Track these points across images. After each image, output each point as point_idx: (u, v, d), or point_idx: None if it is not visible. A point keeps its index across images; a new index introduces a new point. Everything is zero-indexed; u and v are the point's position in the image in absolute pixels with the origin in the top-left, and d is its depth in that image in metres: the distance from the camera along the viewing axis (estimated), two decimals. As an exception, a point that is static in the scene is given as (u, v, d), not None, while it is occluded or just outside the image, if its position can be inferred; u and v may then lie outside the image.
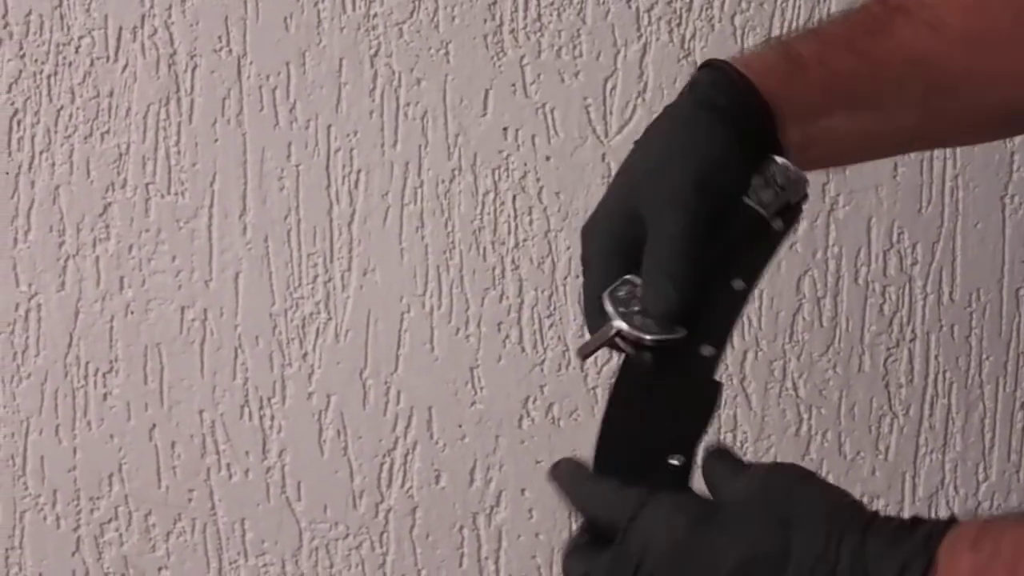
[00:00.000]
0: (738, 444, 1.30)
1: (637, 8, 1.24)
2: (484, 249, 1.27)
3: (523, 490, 1.32)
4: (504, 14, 1.24)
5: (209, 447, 1.31)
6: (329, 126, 1.26)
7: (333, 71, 1.25)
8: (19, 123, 1.25)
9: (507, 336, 1.29)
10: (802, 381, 1.31)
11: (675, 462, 0.75)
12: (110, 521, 1.32)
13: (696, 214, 0.77)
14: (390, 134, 1.26)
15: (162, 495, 1.32)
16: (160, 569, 1.33)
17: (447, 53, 1.25)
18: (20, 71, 1.25)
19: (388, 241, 1.27)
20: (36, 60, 1.24)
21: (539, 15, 1.24)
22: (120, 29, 1.24)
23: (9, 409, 1.30)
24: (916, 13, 0.83)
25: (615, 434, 0.78)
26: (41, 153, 1.26)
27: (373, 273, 1.28)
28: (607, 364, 1.29)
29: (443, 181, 1.26)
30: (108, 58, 1.24)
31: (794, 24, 1.25)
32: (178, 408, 1.30)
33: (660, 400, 0.77)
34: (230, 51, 1.24)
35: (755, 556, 0.68)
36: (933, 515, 1.28)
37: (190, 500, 1.32)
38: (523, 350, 1.29)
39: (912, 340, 1.31)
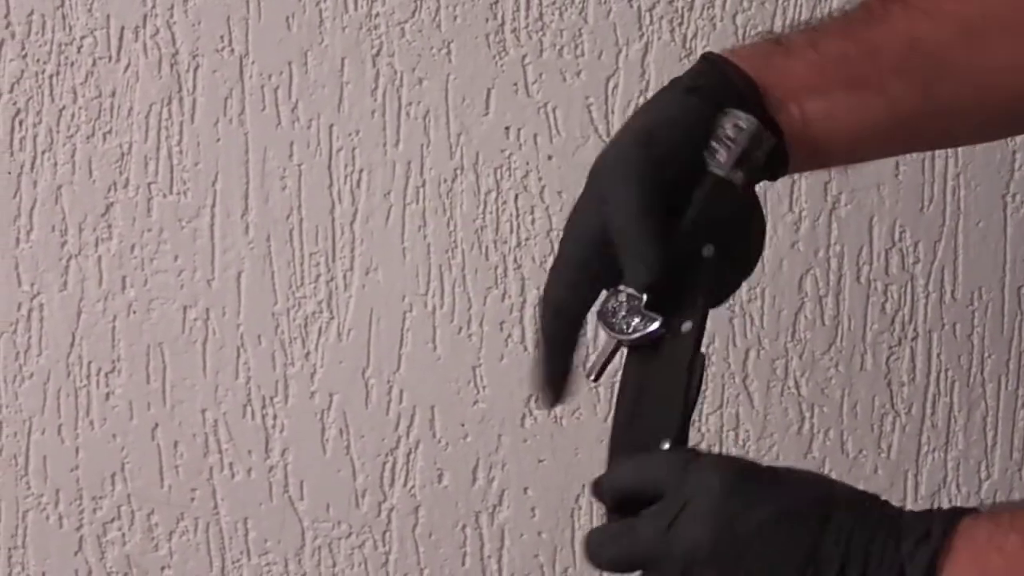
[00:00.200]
0: (740, 443, 1.31)
1: (639, 7, 1.24)
2: (486, 248, 1.27)
3: (526, 489, 1.32)
4: (506, 13, 1.24)
5: (212, 446, 1.31)
6: (331, 125, 1.26)
7: (335, 71, 1.25)
8: (21, 123, 1.25)
9: (509, 335, 1.29)
10: (804, 380, 1.31)
11: (666, 446, 0.74)
12: (113, 520, 1.32)
13: (643, 180, 0.77)
14: (392, 133, 1.26)
15: (165, 494, 1.32)
16: (163, 568, 1.33)
17: (449, 52, 1.25)
18: (22, 71, 1.25)
19: (390, 240, 1.27)
20: (38, 60, 1.24)
21: (541, 14, 1.24)
22: (122, 29, 1.24)
23: (11, 409, 1.30)
24: (914, 4, 0.83)
25: (618, 429, 0.78)
26: (43, 153, 1.26)
27: (375, 272, 1.28)
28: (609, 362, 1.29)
29: (445, 180, 1.26)
30: (110, 58, 1.24)
31: (796, 23, 1.25)
32: (180, 407, 1.30)
33: (650, 388, 0.77)
34: (232, 51, 1.24)
35: (799, 506, 0.69)
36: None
37: (193, 499, 1.32)
38: (525, 349, 1.29)
39: (914, 338, 1.31)
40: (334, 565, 1.33)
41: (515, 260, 1.28)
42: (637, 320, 0.77)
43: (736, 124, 0.79)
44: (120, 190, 1.27)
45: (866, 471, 1.32)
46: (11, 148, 1.26)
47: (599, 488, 0.74)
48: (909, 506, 1.32)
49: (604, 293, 0.79)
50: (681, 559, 0.68)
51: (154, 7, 1.24)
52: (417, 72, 1.25)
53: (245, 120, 1.26)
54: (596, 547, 0.72)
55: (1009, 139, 1.28)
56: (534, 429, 1.31)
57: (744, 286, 1.27)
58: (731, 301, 1.28)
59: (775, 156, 0.82)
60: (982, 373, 1.32)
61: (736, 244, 0.81)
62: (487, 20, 1.24)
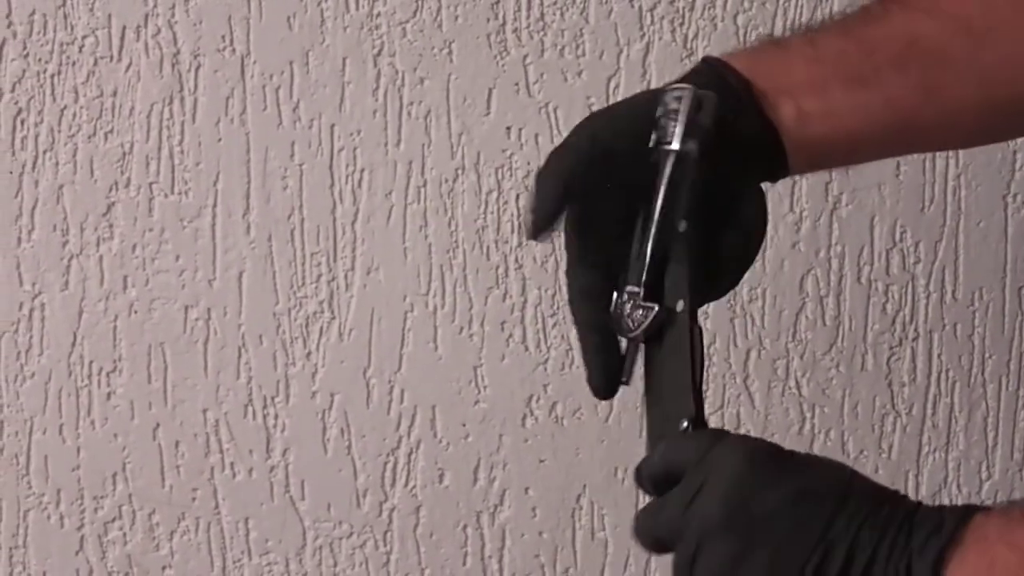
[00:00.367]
0: (741, 443, 1.31)
1: (640, 7, 1.24)
2: (487, 248, 1.27)
3: (527, 489, 1.32)
4: (507, 13, 1.24)
5: (213, 446, 1.31)
6: (332, 125, 1.26)
7: (336, 70, 1.25)
8: (23, 122, 1.25)
9: (510, 335, 1.29)
10: (805, 380, 1.31)
11: (684, 424, 0.76)
12: (114, 520, 1.32)
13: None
14: (393, 133, 1.26)
15: (166, 494, 1.32)
16: (164, 568, 1.33)
17: (450, 52, 1.25)
18: (24, 70, 1.25)
19: (391, 240, 1.27)
20: (40, 59, 1.24)
21: (542, 14, 1.24)
22: (124, 28, 1.24)
23: (13, 408, 1.30)
24: (914, 4, 0.83)
25: (647, 419, 0.80)
26: (45, 152, 1.26)
27: (377, 272, 1.28)
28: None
29: (446, 180, 1.26)
30: (112, 57, 1.25)
31: (797, 23, 1.25)
32: (182, 407, 1.30)
33: (662, 373, 0.79)
34: (233, 50, 1.25)
35: (815, 489, 0.70)
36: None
37: (194, 499, 1.32)
38: (526, 349, 1.29)
39: (915, 339, 1.31)
40: (335, 565, 1.33)
41: (516, 260, 1.28)
42: (639, 313, 0.78)
43: (676, 96, 0.79)
44: (121, 190, 1.27)
45: (867, 471, 1.31)
46: (13, 147, 1.26)
47: (638, 476, 0.76)
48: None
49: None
50: (696, 535, 0.70)
51: (155, 7, 1.24)
52: (418, 72, 1.25)
53: (246, 120, 1.26)
54: (636, 526, 0.75)
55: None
56: (535, 429, 1.31)
57: (745, 286, 1.28)
58: (732, 301, 1.28)
59: (774, 157, 0.82)
60: (983, 373, 1.32)
61: (726, 230, 0.81)
62: (488, 20, 1.24)
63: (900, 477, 1.32)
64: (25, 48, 1.24)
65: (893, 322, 1.31)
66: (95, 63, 1.25)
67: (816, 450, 1.32)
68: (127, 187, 1.27)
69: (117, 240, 1.27)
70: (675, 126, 0.78)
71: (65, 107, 1.25)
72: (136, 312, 1.28)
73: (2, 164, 1.26)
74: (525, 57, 1.25)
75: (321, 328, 1.29)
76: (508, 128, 1.26)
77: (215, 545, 1.33)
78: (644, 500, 1.34)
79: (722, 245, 0.81)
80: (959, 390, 1.32)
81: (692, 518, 0.70)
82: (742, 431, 1.30)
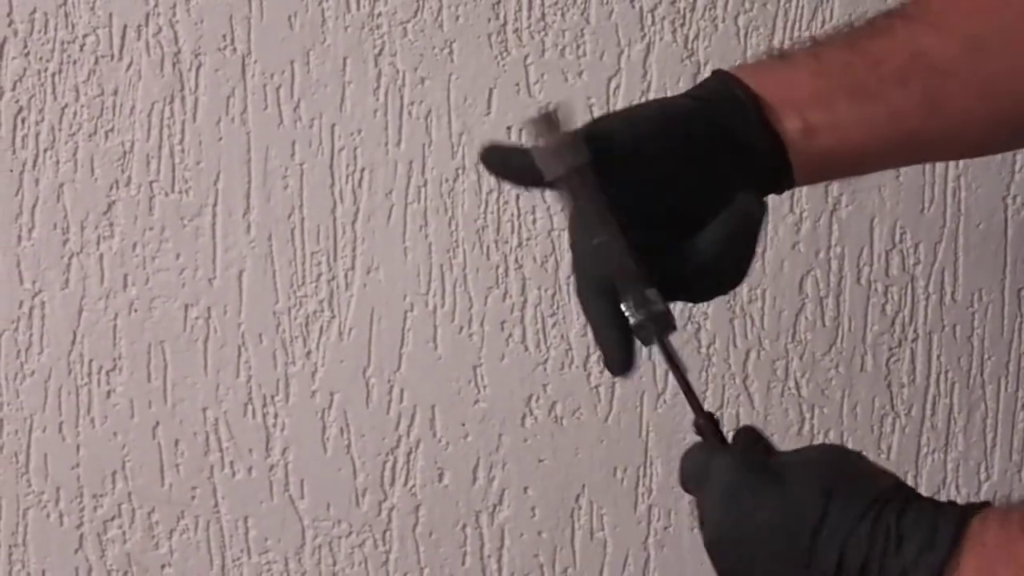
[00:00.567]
0: (740, 443, 1.31)
1: (641, 8, 1.24)
2: (487, 248, 1.27)
3: (526, 488, 1.32)
4: (508, 13, 1.24)
5: (212, 445, 1.31)
6: (333, 125, 1.26)
7: (337, 70, 1.25)
8: (23, 121, 1.26)
9: (510, 335, 1.29)
10: (804, 380, 1.31)
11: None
12: (113, 519, 1.32)
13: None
14: (394, 133, 1.26)
15: (165, 493, 1.32)
16: (163, 567, 1.33)
17: (451, 52, 1.25)
18: (24, 69, 1.25)
19: (392, 240, 1.27)
20: (41, 58, 1.24)
21: (543, 14, 1.24)
22: (125, 27, 1.24)
23: (12, 406, 1.30)
24: (919, 18, 0.83)
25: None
26: (45, 151, 1.26)
27: (376, 271, 1.28)
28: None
29: (447, 180, 1.27)
30: (112, 56, 1.25)
31: (797, 25, 1.25)
32: (181, 406, 1.30)
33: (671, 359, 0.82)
34: (234, 50, 1.25)
35: (792, 513, 0.72)
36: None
37: (193, 498, 1.32)
38: (526, 349, 1.29)
39: (914, 340, 1.31)
40: (334, 564, 1.33)
41: (516, 260, 1.28)
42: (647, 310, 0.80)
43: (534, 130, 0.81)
44: (122, 188, 1.27)
45: (866, 472, 1.32)
46: (13, 146, 1.26)
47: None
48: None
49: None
50: (707, 549, 0.76)
51: (156, 6, 1.24)
52: (419, 72, 1.25)
53: (247, 119, 1.26)
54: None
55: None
56: (534, 429, 1.31)
57: (745, 287, 1.28)
58: (731, 301, 1.29)
59: (779, 169, 0.82)
60: (982, 375, 1.32)
61: (705, 236, 0.81)
62: (489, 20, 1.24)
63: (899, 478, 1.32)
64: (26, 47, 1.24)
65: (892, 323, 1.31)
66: (96, 62, 1.25)
67: (815, 451, 1.32)
68: (128, 186, 1.27)
69: (117, 239, 1.27)
70: (545, 157, 0.80)
71: (66, 106, 1.25)
72: (136, 310, 1.29)
73: (3, 162, 1.26)
74: (526, 57, 1.25)
75: (321, 327, 1.29)
76: (509, 128, 1.26)
77: (214, 544, 1.33)
78: (642, 501, 1.35)
79: (696, 251, 0.81)
80: (958, 391, 1.32)
81: (703, 534, 0.76)
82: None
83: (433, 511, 1.32)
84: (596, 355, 1.29)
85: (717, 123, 0.81)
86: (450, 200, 1.27)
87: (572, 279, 0.83)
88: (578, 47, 1.25)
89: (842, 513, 0.71)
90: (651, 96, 1.25)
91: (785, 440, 1.31)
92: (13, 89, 1.25)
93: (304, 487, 1.32)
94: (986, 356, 1.32)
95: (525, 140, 0.81)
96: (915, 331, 1.31)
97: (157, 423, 1.30)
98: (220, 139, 1.26)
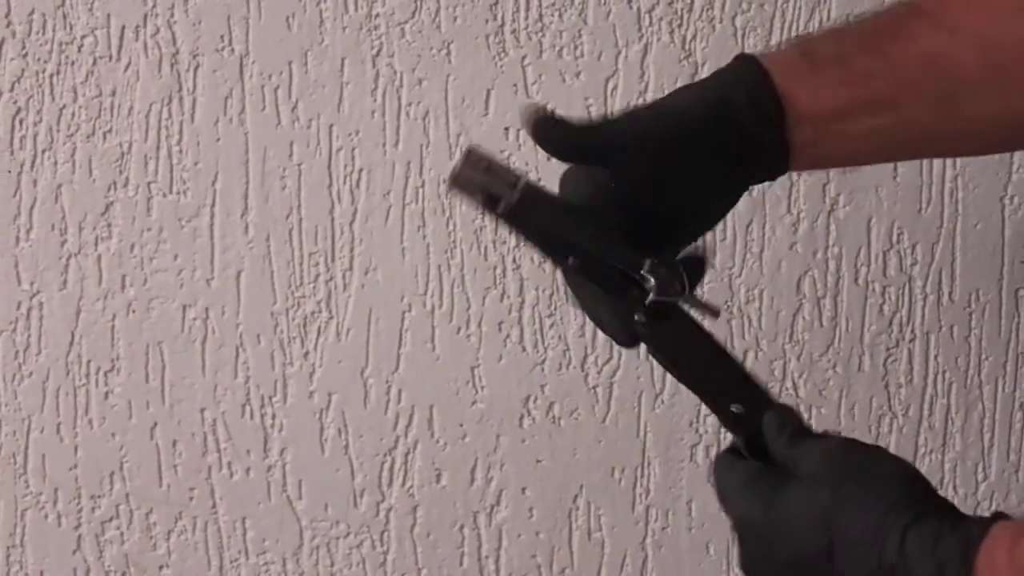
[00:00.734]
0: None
1: (638, 9, 1.24)
2: (485, 248, 1.28)
3: (524, 489, 1.32)
4: (506, 14, 1.24)
5: (210, 445, 1.31)
6: (331, 125, 1.26)
7: (335, 71, 1.25)
8: (21, 122, 1.26)
9: (508, 335, 1.29)
10: (802, 381, 1.31)
11: (734, 409, 0.83)
12: (111, 519, 1.32)
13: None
14: (392, 133, 1.26)
15: (163, 493, 1.32)
16: (161, 567, 1.33)
17: (449, 53, 1.25)
18: (23, 70, 1.25)
19: (389, 240, 1.27)
20: (39, 59, 1.25)
21: (540, 15, 1.24)
22: (123, 28, 1.24)
23: (11, 407, 1.30)
24: (935, 16, 0.83)
25: None
26: (43, 152, 1.26)
27: (374, 272, 1.28)
28: (607, 363, 1.29)
29: (444, 180, 1.26)
30: (111, 57, 1.25)
31: (795, 26, 1.25)
32: (179, 406, 1.30)
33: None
34: (232, 50, 1.25)
35: (804, 552, 0.75)
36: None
37: (191, 498, 1.32)
38: (524, 349, 1.29)
39: (912, 340, 1.31)
40: (332, 565, 1.33)
41: (514, 260, 1.28)
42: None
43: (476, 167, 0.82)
44: (120, 189, 1.27)
45: (863, 472, 1.32)
46: (11, 147, 1.26)
47: None
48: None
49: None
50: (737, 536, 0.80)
51: (155, 6, 1.24)
52: (417, 72, 1.25)
53: (245, 120, 1.26)
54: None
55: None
56: (532, 429, 1.31)
57: (742, 287, 1.29)
58: (729, 302, 1.29)
59: (776, 166, 0.83)
60: (979, 375, 1.32)
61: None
62: (487, 21, 1.24)
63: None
64: (24, 48, 1.24)
65: (890, 323, 1.31)
66: (94, 63, 1.25)
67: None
68: (125, 187, 1.27)
69: (115, 239, 1.27)
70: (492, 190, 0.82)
71: (64, 107, 1.25)
72: (134, 311, 1.29)
73: (1, 163, 1.26)
74: (523, 58, 1.25)
75: (319, 328, 1.29)
76: (506, 129, 1.26)
77: (212, 544, 1.33)
78: (640, 501, 1.35)
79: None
80: (956, 391, 1.32)
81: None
82: (739, 432, 1.30)
83: (431, 512, 1.32)
84: (594, 356, 1.29)
85: (736, 130, 0.82)
86: (448, 201, 1.27)
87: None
88: (576, 48, 1.25)
89: (850, 549, 0.73)
90: (648, 96, 1.25)
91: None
92: (11, 90, 1.25)
93: (302, 488, 1.32)
94: (983, 356, 1.32)
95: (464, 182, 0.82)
96: (912, 331, 1.31)
97: (155, 424, 1.30)
98: (218, 140, 1.26)
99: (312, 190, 1.27)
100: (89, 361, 1.29)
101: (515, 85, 1.25)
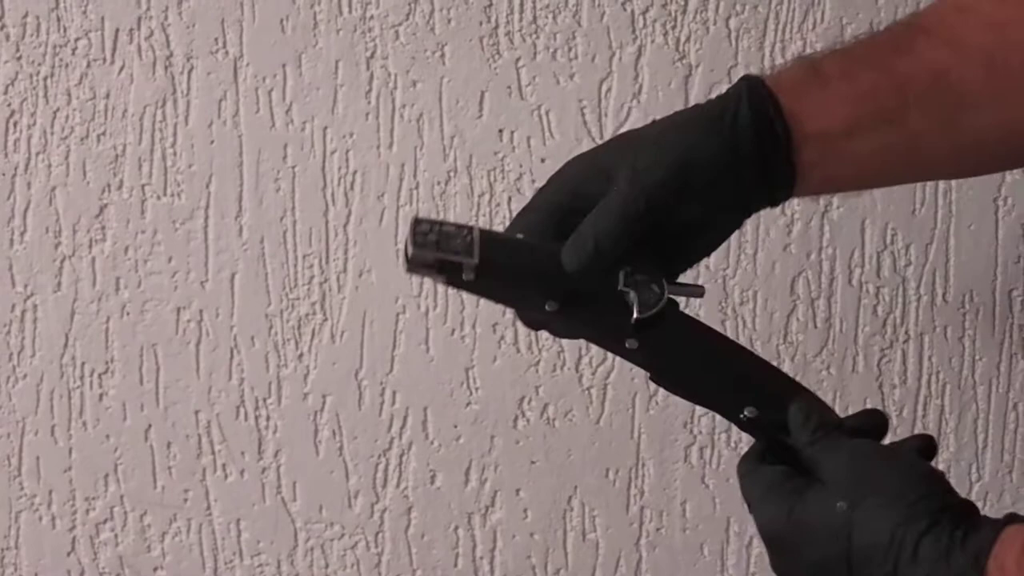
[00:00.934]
0: (732, 444, 1.31)
1: (632, 11, 1.24)
2: (479, 250, 1.27)
3: (518, 490, 1.32)
4: (500, 16, 1.24)
5: (205, 447, 1.31)
6: (325, 128, 1.26)
7: (329, 73, 1.25)
8: (15, 124, 1.26)
9: (502, 337, 1.29)
10: (796, 382, 1.31)
11: (747, 414, 0.83)
12: (106, 521, 1.32)
13: (643, 202, 0.80)
14: (386, 136, 1.26)
15: (158, 495, 1.32)
16: (156, 569, 1.33)
17: (443, 55, 1.25)
18: (16, 73, 1.25)
19: (384, 242, 1.28)
20: (33, 62, 1.24)
21: (535, 17, 1.24)
22: (116, 31, 1.24)
23: (5, 409, 1.30)
24: (937, 33, 0.83)
25: None
26: (37, 154, 1.26)
27: (369, 274, 1.28)
28: (601, 364, 1.29)
29: (439, 183, 1.27)
30: (104, 60, 1.25)
31: (789, 27, 1.25)
32: (174, 409, 1.30)
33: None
34: (226, 53, 1.25)
35: (824, 558, 0.76)
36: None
37: (186, 500, 1.32)
38: (518, 351, 1.29)
39: (906, 341, 1.31)
40: (327, 566, 1.33)
41: (508, 262, 1.28)
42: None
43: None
44: (114, 191, 1.27)
45: (857, 473, 1.32)
46: (5, 149, 1.26)
47: None
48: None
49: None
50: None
51: (148, 9, 1.24)
52: (411, 74, 1.25)
53: (239, 122, 1.26)
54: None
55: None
56: (527, 431, 1.31)
57: (736, 288, 1.29)
58: (723, 303, 1.29)
59: (779, 187, 0.83)
60: (973, 376, 1.32)
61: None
62: (481, 23, 1.24)
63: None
64: (18, 50, 1.24)
65: (884, 324, 1.31)
66: (88, 65, 1.25)
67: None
68: (120, 189, 1.27)
69: (109, 242, 1.27)
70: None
71: (58, 109, 1.25)
72: (128, 314, 1.29)
73: (-5, 166, 1.26)
74: (518, 60, 1.25)
75: (313, 330, 1.29)
76: (500, 131, 1.26)
77: (207, 546, 1.33)
78: (634, 502, 1.35)
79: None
80: (950, 392, 1.32)
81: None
82: (733, 432, 1.31)
83: (425, 513, 1.33)
84: (588, 357, 1.29)
85: (739, 152, 0.81)
86: (442, 203, 1.27)
87: None
88: (570, 50, 1.25)
89: (865, 559, 0.74)
90: (643, 98, 1.25)
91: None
92: (5, 92, 1.25)
93: (296, 489, 1.32)
94: (977, 357, 1.32)
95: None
96: (906, 332, 1.31)
97: (149, 426, 1.30)
98: (212, 142, 1.26)
99: (306, 192, 1.27)
100: (83, 363, 1.29)
101: (509, 87, 1.25)
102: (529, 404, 1.31)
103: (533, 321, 0.84)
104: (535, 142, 1.26)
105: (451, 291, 1.28)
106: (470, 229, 0.79)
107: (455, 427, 1.31)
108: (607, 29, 1.25)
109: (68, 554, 1.33)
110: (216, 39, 1.24)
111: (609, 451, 1.31)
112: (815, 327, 1.30)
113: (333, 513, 1.32)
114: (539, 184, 1.25)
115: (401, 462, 1.32)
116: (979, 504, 1.32)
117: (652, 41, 1.25)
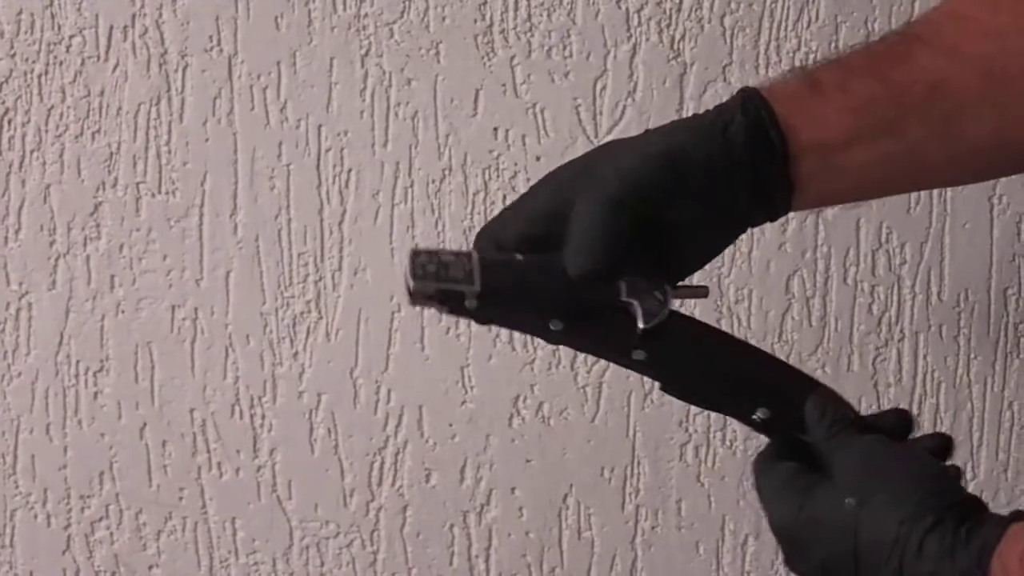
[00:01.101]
0: (727, 443, 1.31)
1: (627, 9, 1.24)
2: (474, 248, 1.27)
3: (513, 489, 1.32)
4: (494, 14, 1.24)
5: (200, 446, 1.31)
6: (320, 126, 1.26)
7: (324, 71, 1.25)
8: (10, 122, 1.25)
9: (497, 335, 1.29)
10: (791, 380, 1.31)
11: (760, 415, 0.82)
12: (101, 519, 1.32)
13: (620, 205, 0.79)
14: (380, 134, 1.26)
15: (153, 494, 1.32)
16: (151, 567, 1.33)
17: (437, 53, 1.25)
18: (11, 70, 1.25)
19: (379, 240, 1.27)
20: (27, 59, 1.24)
21: (529, 15, 1.24)
22: (111, 28, 1.24)
23: (0, 408, 1.30)
24: (934, 42, 0.83)
25: None
26: (32, 152, 1.26)
27: (364, 272, 1.28)
28: (596, 363, 1.29)
29: (433, 181, 1.27)
30: (99, 57, 1.25)
31: (783, 26, 1.25)
32: (169, 407, 1.30)
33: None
34: (221, 50, 1.25)
35: (833, 556, 0.77)
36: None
37: (181, 499, 1.32)
38: (513, 349, 1.29)
39: (901, 340, 1.31)
40: (322, 564, 1.33)
41: (503, 260, 1.28)
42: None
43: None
44: (109, 189, 1.27)
45: (853, 471, 1.32)
46: (0, 147, 1.26)
47: None
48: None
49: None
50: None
51: (143, 7, 1.24)
52: (406, 73, 1.25)
53: (234, 120, 1.26)
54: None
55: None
56: (522, 429, 1.31)
57: (732, 287, 1.29)
58: (718, 302, 1.29)
59: (776, 201, 0.83)
60: (968, 374, 1.32)
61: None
62: (476, 21, 1.24)
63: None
64: (12, 48, 1.24)
65: (879, 323, 1.31)
66: (82, 63, 1.25)
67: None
68: (114, 187, 1.27)
69: (104, 240, 1.27)
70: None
71: (52, 107, 1.25)
72: (123, 312, 1.29)
73: (-11, 164, 1.26)
74: (512, 58, 1.25)
75: (308, 328, 1.29)
76: (495, 129, 1.26)
77: (202, 545, 1.33)
78: (629, 500, 1.35)
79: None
80: (944, 391, 1.33)
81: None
82: (728, 431, 1.31)
83: (421, 511, 1.33)
84: (583, 355, 1.29)
85: (735, 164, 0.80)
86: (437, 201, 1.27)
87: None
88: (564, 48, 1.25)
89: (871, 554, 0.74)
90: (637, 96, 1.25)
91: (772, 440, 1.32)
92: (-1, 90, 1.25)
93: (292, 488, 1.32)
94: (972, 356, 1.32)
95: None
96: (901, 331, 1.31)
97: (144, 424, 1.30)
98: (207, 140, 1.26)
99: (301, 190, 1.27)
100: (78, 361, 1.29)
101: (504, 85, 1.25)
102: (524, 403, 1.31)
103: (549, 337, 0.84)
104: (530, 140, 1.26)
105: (446, 289, 1.28)
106: (468, 256, 0.79)
107: (450, 425, 1.31)
108: (602, 27, 1.25)
109: (63, 552, 1.33)
110: (211, 37, 1.24)
111: (604, 450, 1.31)
112: (810, 325, 1.30)
113: (328, 511, 1.32)
114: (533, 182, 1.26)
115: (396, 460, 1.32)
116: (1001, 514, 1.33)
117: (647, 39, 1.25)
